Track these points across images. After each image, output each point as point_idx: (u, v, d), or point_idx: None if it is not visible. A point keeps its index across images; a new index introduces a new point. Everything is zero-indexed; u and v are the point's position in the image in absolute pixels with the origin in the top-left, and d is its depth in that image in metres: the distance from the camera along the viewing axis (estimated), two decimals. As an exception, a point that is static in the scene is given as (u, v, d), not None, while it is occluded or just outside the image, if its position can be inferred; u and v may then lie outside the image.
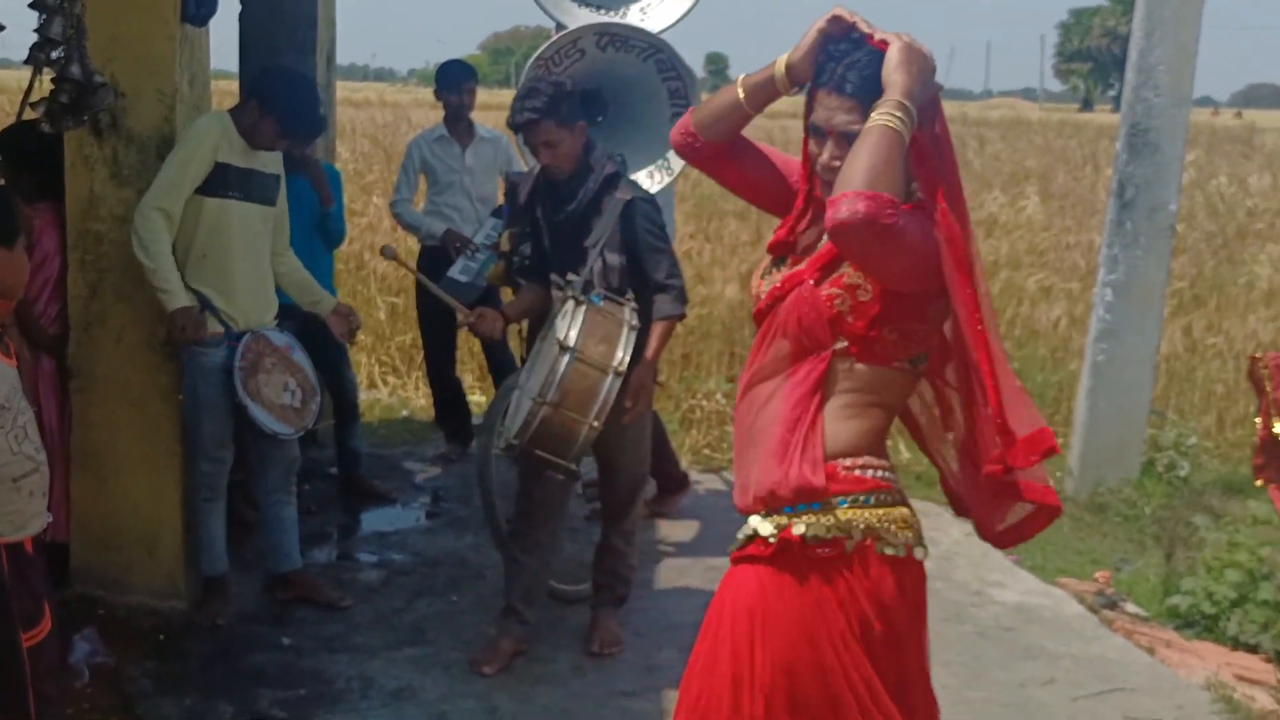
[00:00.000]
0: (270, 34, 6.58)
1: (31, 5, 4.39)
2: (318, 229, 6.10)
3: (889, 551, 2.59)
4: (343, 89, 8.25)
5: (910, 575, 2.65)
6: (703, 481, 7.00)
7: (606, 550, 4.95)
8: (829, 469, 2.58)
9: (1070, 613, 5.43)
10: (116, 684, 4.39)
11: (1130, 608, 5.52)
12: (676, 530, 6.20)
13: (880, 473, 2.63)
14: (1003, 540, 2.76)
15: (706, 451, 7.49)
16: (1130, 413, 6.86)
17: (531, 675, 4.61)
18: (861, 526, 2.57)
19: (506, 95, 37.99)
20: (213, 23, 4.94)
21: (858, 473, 2.60)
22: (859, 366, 2.58)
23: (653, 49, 4.64)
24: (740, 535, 2.68)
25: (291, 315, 5.28)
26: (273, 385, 4.83)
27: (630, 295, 4.57)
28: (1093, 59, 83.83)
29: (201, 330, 4.66)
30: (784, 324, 2.63)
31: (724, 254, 10.70)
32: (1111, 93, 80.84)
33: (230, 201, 4.74)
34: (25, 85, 4.62)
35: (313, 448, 6.08)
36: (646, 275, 4.58)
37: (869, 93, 2.44)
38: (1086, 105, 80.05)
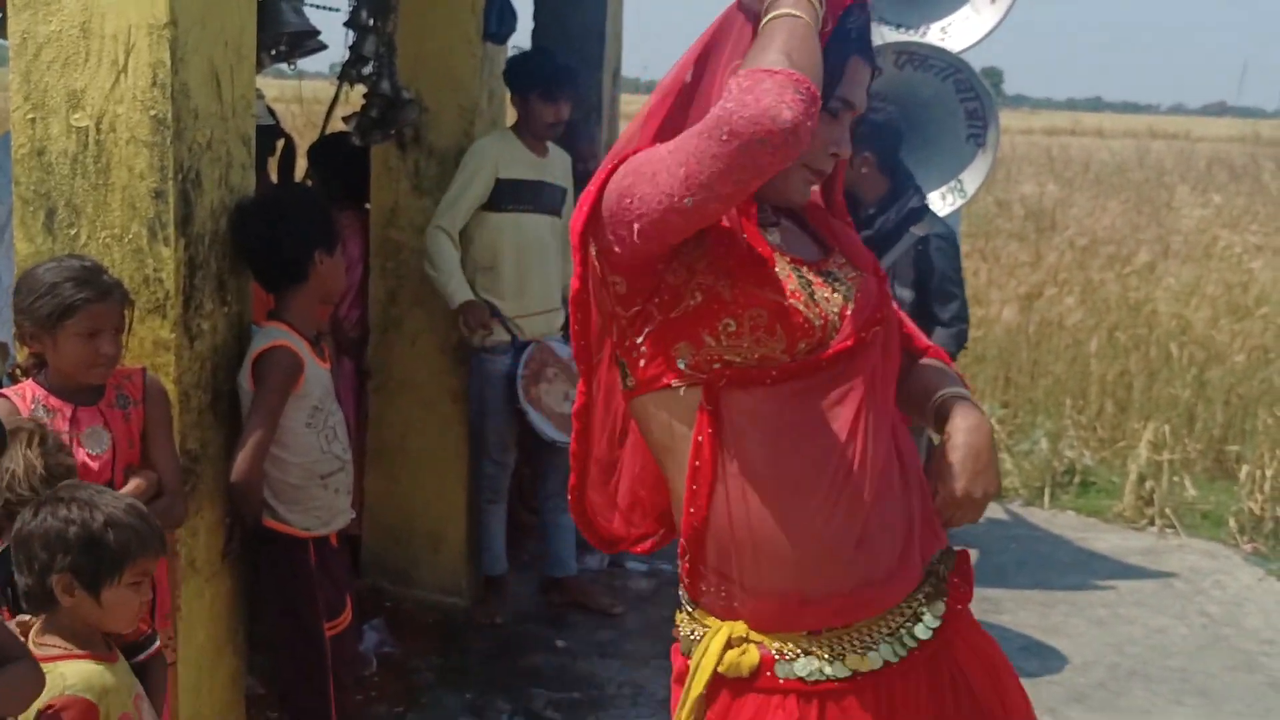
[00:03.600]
0: (561, 51, 6.76)
1: (346, 24, 4.64)
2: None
3: None
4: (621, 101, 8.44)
5: None
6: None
7: None
8: None
9: (1372, 669, 5.09)
10: (402, 674, 4.58)
11: None
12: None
13: None
14: None
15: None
16: None
17: (799, 695, 4.59)
18: None
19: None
20: (510, 40, 5.12)
21: None
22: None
23: (952, 69, 4.57)
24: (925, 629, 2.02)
25: (575, 326, 5.40)
26: (554, 394, 4.95)
27: None
28: (1403, 75, 78.32)
29: (488, 325, 4.81)
30: (886, 351, 2.06)
31: (1001, 275, 10.45)
32: None
33: (518, 215, 4.89)
34: (321, 97, 4.89)
35: (587, 455, 6.20)
36: (933, 313, 4.54)
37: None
38: (1394, 124, 74.84)
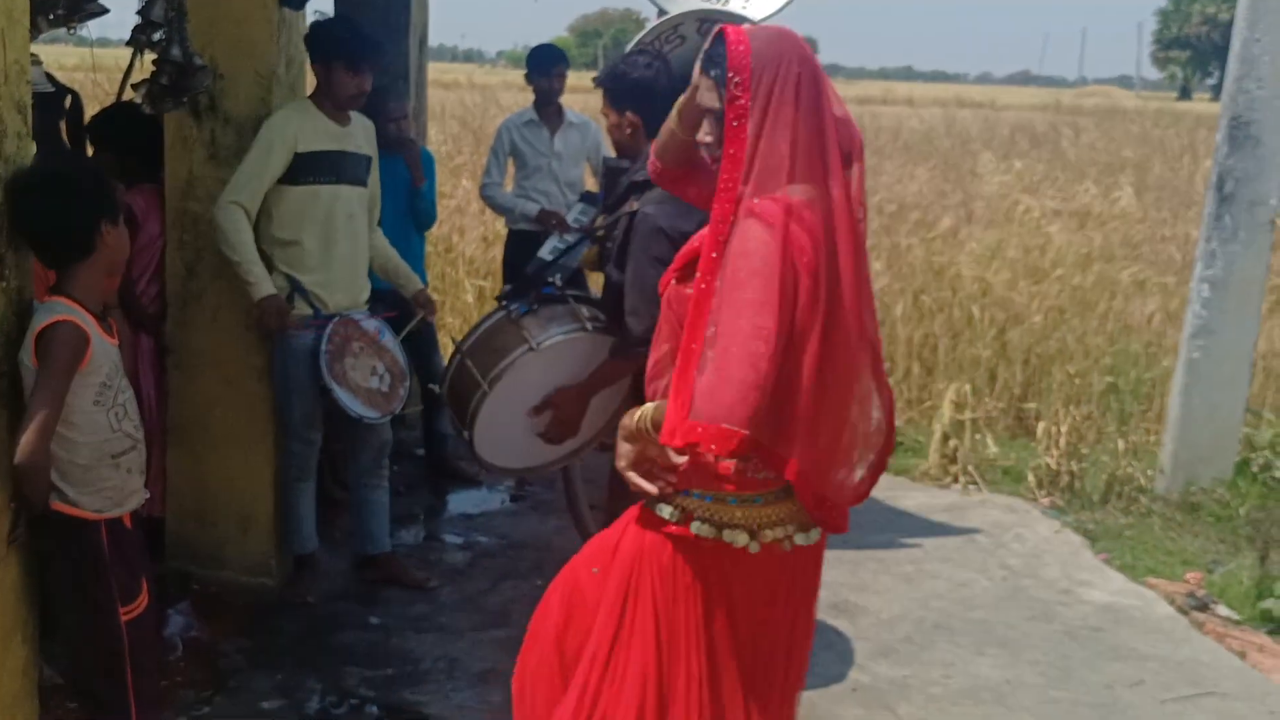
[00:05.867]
0: (364, 16, 6.65)
1: (135, -12, 4.46)
2: (409, 211, 6.15)
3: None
4: (432, 70, 8.40)
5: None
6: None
7: None
8: None
9: (1160, 614, 5.34)
10: (209, 658, 4.48)
11: (1222, 610, 5.41)
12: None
13: None
14: None
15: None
16: (1225, 411, 6.72)
17: (614, 661, 4.61)
18: None
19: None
20: (309, 6, 5.00)
21: None
22: None
23: (754, 37, 4.59)
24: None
25: (383, 299, 5.32)
26: (360, 369, 4.86)
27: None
28: (1191, 47, 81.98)
29: (287, 319, 4.71)
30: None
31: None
32: (1210, 81, 79.07)
33: (320, 187, 4.77)
34: (123, 64, 4.71)
35: (400, 430, 6.13)
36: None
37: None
38: (1184, 94, 78.32)
